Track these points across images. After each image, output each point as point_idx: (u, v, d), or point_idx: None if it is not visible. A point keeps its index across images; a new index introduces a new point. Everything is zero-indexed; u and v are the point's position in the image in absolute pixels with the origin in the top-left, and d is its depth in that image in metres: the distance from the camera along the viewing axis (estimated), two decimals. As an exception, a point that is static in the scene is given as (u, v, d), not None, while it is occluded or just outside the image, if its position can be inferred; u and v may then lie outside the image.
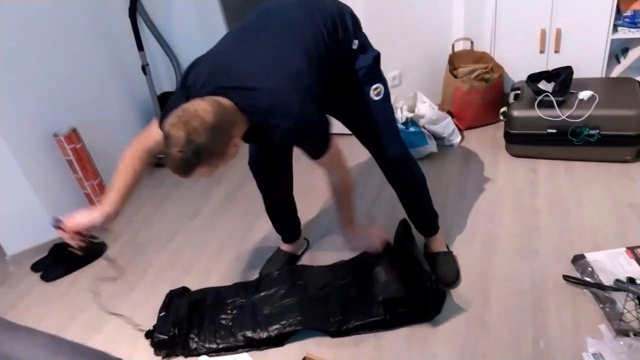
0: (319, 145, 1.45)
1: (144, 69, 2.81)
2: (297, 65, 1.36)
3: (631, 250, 1.83)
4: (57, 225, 1.49)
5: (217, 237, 2.38)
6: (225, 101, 1.31)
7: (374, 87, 1.62)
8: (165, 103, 2.74)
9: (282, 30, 1.43)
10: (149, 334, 1.86)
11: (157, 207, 2.72)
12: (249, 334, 1.79)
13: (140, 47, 2.75)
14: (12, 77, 2.26)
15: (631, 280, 1.53)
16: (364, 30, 1.63)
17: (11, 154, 2.28)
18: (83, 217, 1.53)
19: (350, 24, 1.55)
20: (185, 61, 3.10)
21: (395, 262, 1.84)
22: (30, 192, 2.39)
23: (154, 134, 1.55)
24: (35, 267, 2.43)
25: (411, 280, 1.77)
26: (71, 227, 1.51)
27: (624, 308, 1.53)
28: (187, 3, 2.89)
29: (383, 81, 1.66)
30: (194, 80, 1.38)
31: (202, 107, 1.24)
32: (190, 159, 1.23)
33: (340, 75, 1.59)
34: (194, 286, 2.08)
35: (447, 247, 2.01)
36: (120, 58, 2.88)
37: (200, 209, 2.63)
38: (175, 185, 2.89)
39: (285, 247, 2.13)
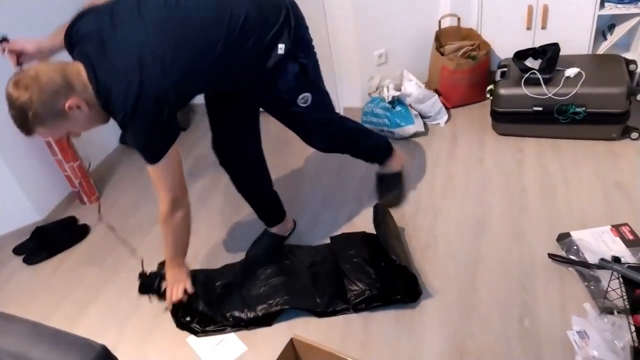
0: (142, 149, 1.45)
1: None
2: (160, 84, 1.35)
3: (616, 228, 1.84)
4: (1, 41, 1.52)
5: (203, 221, 2.35)
6: (74, 67, 1.35)
7: (300, 96, 1.62)
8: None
9: (179, 26, 1.38)
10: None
11: (142, 190, 2.67)
12: (236, 313, 1.79)
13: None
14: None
15: (616, 259, 1.54)
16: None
17: (-13, 137, 2.21)
18: (25, 41, 1.54)
19: (276, 26, 1.48)
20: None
21: (372, 250, 1.89)
22: (9, 176, 2.33)
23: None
24: (17, 251, 2.38)
25: (380, 269, 1.81)
26: (13, 46, 1.52)
27: (609, 286, 1.54)
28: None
29: (312, 89, 1.65)
30: (77, 30, 1.39)
31: (41, 69, 1.31)
32: (20, 116, 1.31)
33: (258, 74, 1.54)
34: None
35: (401, 167, 2.21)
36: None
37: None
38: (159, 166, 2.83)
39: (271, 229, 2.12)
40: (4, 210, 2.39)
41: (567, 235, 1.85)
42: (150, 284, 1.82)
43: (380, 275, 1.79)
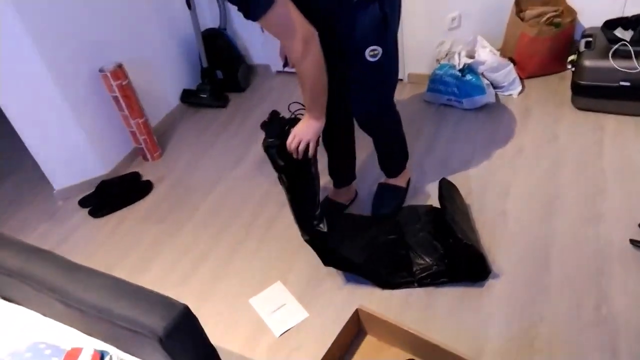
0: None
1: (189, 2, 2.69)
2: None
3: None
4: None
5: (260, 187, 2.34)
6: None
7: (371, 47, 1.53)
8: (208, 42, 2.59)
9: None
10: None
11: (203, 150, 2.68)
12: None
13: (185, -21, 2.62)
14: (56, 11, 2.19)
15: None
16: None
17: (58, 91, 2.25)
18: None
19: None
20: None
21: (438, 225, 1.82)
22: (77, 129, 2.38)
23: None
24: (82, 203, 2.46)
25: (448, 246, 1.74)
26: None
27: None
28: None
29: (385, 45, 1.55)
30: None
31: None
32: None
33: (327, 19, 1.47)
34: (239, 231, 2.08)
35: (407, 184, 2.09)
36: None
37: (245, 155, 2.58)
38: (222, 128, 2.83)
39: (334, 195, 2.08)
40: (72, 162, 2.46)
41: (653, 222, 1.72)
42: (274, 128, 1.61)
43: (447, 251, 1.73)
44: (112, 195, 2.43)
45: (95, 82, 2.40)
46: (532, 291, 1.62)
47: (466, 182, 2.08)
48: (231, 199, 2.30)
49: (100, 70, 2.36)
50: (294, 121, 1.61)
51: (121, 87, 2.38)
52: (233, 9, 2.94)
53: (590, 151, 2.11)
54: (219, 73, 3.00)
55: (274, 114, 1.68)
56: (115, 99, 2.43)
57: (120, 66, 2.38)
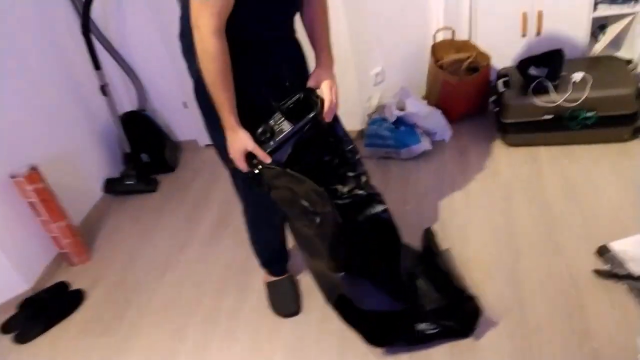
0: None
1: (103, 89, 2.52)
2: None
3: (655, 234, 1.80)
4: None
5: (215, 268, 2.16)
6: None
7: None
8: (128, 126, 2.39)
9: None
10: None
11: (137, 243, 2.45)
12: None
13: (97, 66, 2.45)
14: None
15: None
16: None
17: (-38, 205, 1.96)
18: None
19: None
20: (146, 78, 2.81)
21: (430, 273, 1.75)
22: (-10, 245, 2.07)
23: None
24: (5, 329, 2.11)
25: (446, 293, 1.67)
26: None
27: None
28: (142, 16, 2.60)
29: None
30: None
31: None
32: None
33: None
34: (205, 324, 1.88)
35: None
36: (76, 81, 2.57)
37: (190, 238, 2.39)
38: (158, 213, 2.63)
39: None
40: (-14, 283, 2.13)
41: (607, 248, 1.77)
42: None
43: (449, 304, 1.66)
44: (40, 313, 2.11)
45: (6, 190, 2.12)
46: (517, 336, 1.59)
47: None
48: (185, 289, 2.09)
49: (12, 176, 2.09)
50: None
51: (37, 190, 2.13)
52: (151, 87, 2.83)
53: (533, 184, 2.19)
54: (144, 156, 2.81)
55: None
56: (32, 204, 2.16)
57: (34, 169, 2.13)
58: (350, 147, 1.58)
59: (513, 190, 2.19)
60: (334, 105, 1.44)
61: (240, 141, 1.39)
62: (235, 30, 1.29)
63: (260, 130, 1.39)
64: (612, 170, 2.16)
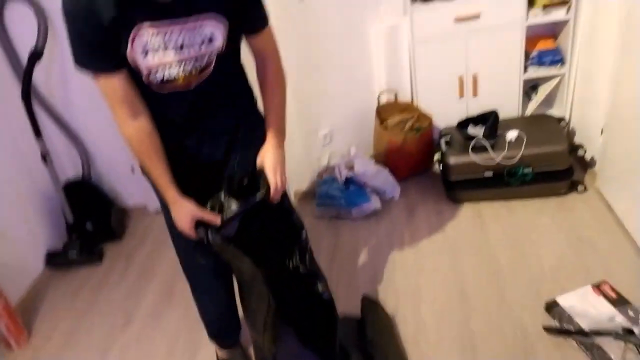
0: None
1: (44, 157, 2.44)
2: None
3: (596, 287, 1.85)
4: None
5: (161, 344, 2.06)
6: None
7: None
8: (71, 194, 2.31)
9: None
10: None
11: (80, 318, 2.31)
12: None
13: (37, 133, 2.39)
14: None
15: (629, 331, 1.52)
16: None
17: None
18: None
19: None
20: (91, 143, 2.76)
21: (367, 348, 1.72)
22: None
23: (119, 82, 1.24)
24: None
25: None
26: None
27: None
28: (87, 81, 2.56)
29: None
30: None
31: None
32: None
33: None
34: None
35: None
36: (17, 149, 2.49)
37: (134, 312, 2.27)
38: (101, 286, 2.50)
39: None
40: None
41: (555, 303, 1.82)
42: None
43: None
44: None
45: None
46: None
47: (380, 293, 2.06)
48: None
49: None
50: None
51: (-32, 269, 2.00)
52: (97, 153, 2.76)
53: (479, 241, 2.24)
54: (89, 225, 2.70)
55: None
56: (-39, 285, 2.02)
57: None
58: (296, 220, 1.57)
59: (461, 247, 2.23)
60: (280, 188, 1.41)
61: (184, 211, 1.36)
62: (153, 109, 1.31)
63: (209, 205, 1.38)
64: (552, 224, 2.24)
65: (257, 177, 1.40)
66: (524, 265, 2.05)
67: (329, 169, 2.68)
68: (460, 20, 2.44)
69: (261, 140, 1.44)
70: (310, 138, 2.67)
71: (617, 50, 2.04)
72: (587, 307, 1.78)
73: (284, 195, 1.50)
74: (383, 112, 2.75)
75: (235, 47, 1.36)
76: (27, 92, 2.34)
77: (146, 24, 1.15)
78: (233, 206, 1.36)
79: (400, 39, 2.60)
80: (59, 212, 2.69)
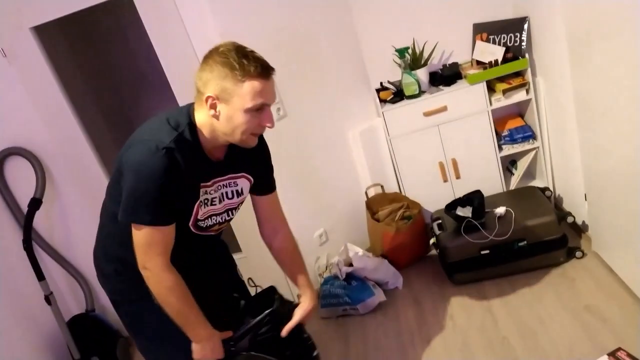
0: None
1: (48, 298, 2.47)
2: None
3: (613, 355, 1.82)
4: None
5: None
6: None
7: None
8: (76, 330, 2.22)
9: None
10: None
11: None
12: None
13: (40, 277, 2.44)
14: None
15: None
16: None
17: None
18: None
19: None
20: (94, 277, 2.78)
21: None
22: None
23: (170, 233, 1.40)
24: None
25: None
26: None
27: None
28: (86, 222, 2.66)
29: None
30: None
31: None
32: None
33: None
34: None
35: None
36: (19, 293, 2.52)
37: None
38: None
39: None
40: None
41: (576, 380, 1.78)
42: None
43: None
44: None
45: None
46: None
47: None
48: None
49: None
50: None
51: None
52: (98, 286, 2.79)
53: (487, 325, 2.21)
54: (95, 359, 2.66)
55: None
56: None
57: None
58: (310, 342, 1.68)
59: (470, 333, 2.19)
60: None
61: (217, 340, 1.49)
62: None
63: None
64: (557, 297, 2.22)
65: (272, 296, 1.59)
66: (538, 348, 2.00)
67: (330, 267, 2.70)
68: (429, 114, 2.62)
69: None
70: (307, 240, 2.72)
71: (576, 125, 2.17)
72: (608, 379, 1.74)
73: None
74: (373, 205, 2.83)
75: None
76: (29, 240, 2.43)
77: (209, 181, 1.43)
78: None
79: (377, 137, 2.77)
80: (64, 350, 2.66)
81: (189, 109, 1.41)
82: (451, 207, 2.58)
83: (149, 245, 1.34)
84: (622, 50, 1.64)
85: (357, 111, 2.79)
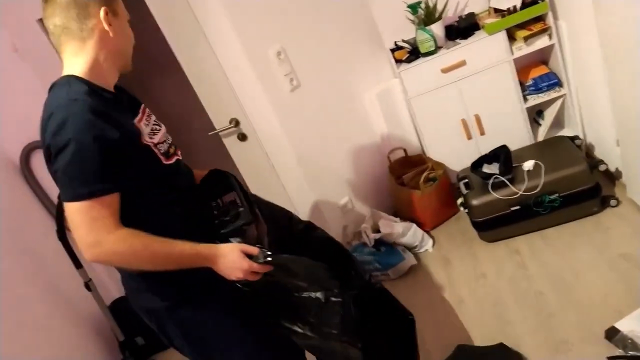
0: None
1: (87, 285, 2.55)
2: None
3: (653, 304, 1.77)
4: None
5: None
6: None
7: None
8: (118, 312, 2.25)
9: None
10: None
11: None
12: None
13: (77, 265, 2.52)
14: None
15: None
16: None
17: None
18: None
19: None
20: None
21: None
22: None
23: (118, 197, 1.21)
24: None
25: None
26: None
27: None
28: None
29: None
30: None
31: None
32: None
33: None
34: None
35: None
36: (58, 284, 2.62)
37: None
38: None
39: None
40: None
41: (614, 330, 1.73)
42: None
43: None
44: None
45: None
46: None
47: (431, 348, 2.00)
48: None
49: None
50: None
51: (32, 409, 2.06)
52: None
53: (520, 278, 2.18)
54: (140, 339, 2.77)
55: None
56: None
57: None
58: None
59: (502, 289, 2.17)
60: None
61: (233, 250, 1.27)
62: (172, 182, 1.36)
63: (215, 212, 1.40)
64: (592, 247, 2.17)
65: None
66: (573, 300, 1.97)
67: (357, 235, 2.70)
68: (447, 70, 2.52)
69: None
70: (333, 210, 2.72)
71: (603, 65, 2.05)
72: (648, 328, 1.69)
73: None
74: (397, 169, 2.79)
75: None
76: (62, 230, 2.49)
77: (137, 115, 1.34)
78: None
79: (395, 99, 2.70)
80: (109, 333, 2.77)
81: (67, 79, 1.27)
82: (477, 165, 2.52)
83: (97, 219, 1.16)
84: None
85: (372, 74, 2.72)
